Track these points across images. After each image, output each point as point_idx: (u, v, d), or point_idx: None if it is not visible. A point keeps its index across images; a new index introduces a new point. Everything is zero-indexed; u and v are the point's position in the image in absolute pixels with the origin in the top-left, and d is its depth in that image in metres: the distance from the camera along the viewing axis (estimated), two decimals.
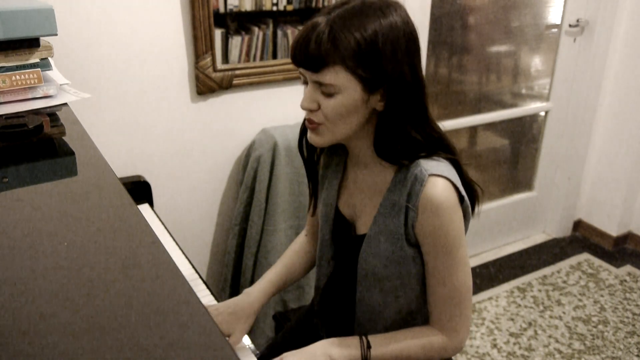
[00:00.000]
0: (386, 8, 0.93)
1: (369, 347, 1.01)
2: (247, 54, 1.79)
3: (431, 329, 1.05)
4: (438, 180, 0.95)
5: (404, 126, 0.97)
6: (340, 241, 1.15)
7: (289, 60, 1.85)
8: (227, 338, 1.11)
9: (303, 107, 0.98)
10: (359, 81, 0.92)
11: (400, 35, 0.92)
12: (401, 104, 0.95)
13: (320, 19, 0.92)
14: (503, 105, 2.60)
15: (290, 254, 1.29)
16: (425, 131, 0.99)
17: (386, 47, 0.91)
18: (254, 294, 1.18)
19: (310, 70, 0.94)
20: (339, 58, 0.90)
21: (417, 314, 1.09)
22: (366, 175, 1.08)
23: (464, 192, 0.98)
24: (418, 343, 1.03)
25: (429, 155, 0.99)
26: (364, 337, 1.02)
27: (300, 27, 1.85)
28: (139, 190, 1.64)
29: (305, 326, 1.33)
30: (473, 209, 1.07)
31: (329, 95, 0.94)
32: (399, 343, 1.03)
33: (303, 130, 1.11)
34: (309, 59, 0.92)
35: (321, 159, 1.19)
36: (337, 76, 0.92)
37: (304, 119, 1.09)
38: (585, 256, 2.76)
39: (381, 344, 1.02)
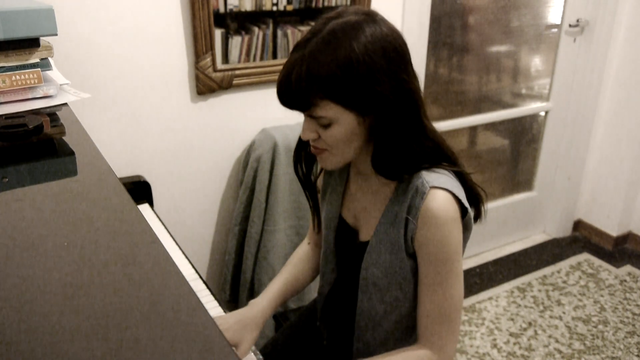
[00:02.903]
0: (357, 28, 0.89)
1: None
2: (247, 54, 1.79)
3: (418, 347, 1.02)
4: (439, 192, 0.94)
5: (397, 140, 0.95)
6: (344, 249, 1.15)
7: None
8: (234, 348, 1.09)
9: (304, 139, 0.98)
10: (348, 109, 0.91)
11: (377, 53, 0.89)
12: (391, 120, 0.93)
13: (297, 57, 0.90)
14: (503, 105, 2.60)
15: (294, 263, 1.28)
16: (420, 142, 0.97)
17: (363, 72, 0.88)
18: (260, 304, 1.17)
19: (299, 110, 0.94)
20: (323, 94, 0.89)
21: (416, 324, 1.08)
22: (369, 185, 1.07)
23: (467, 205, 0.97)
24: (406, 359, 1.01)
25: (431, 166, 0.98)
26: None
27: (301, 28, 1.85)
28: (139, 190, 1.64)
29: (305, 326, 1.33)
30: (479, 214, 1.06)
31: (326, 126, 0.94)
32: None
33: (297, 154, 1.11)
34: (295, 101, 0.92)
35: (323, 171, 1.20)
36: (326, 110, 0.91)
37: (297, 143, 1.10)
38: (585, 256, 2.76)
39: None
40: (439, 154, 1.00)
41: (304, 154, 1.11)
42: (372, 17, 0.91)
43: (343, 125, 0.93)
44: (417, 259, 1.00)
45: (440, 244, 0.95)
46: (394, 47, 0.91)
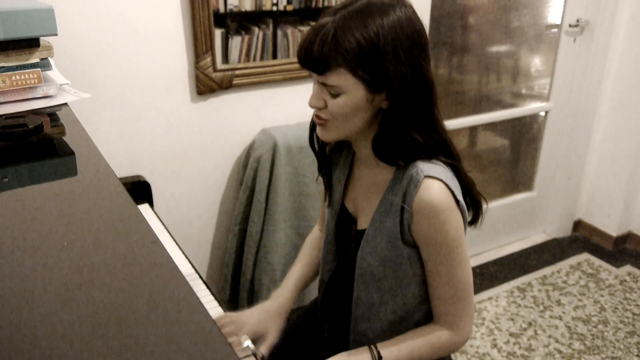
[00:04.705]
0: (390, 7, 0.92)
1: (379, 357, 1.02)
2: (247, 54, 1.79)
3: (436, 326, 1.05)
4: (433, 182, 0.95)
5: (405, 126, 0.97)
6: (343, 237, 1.16)
7: (289, 60, 1.86)
8: (261, 338, 1.15)
9: (310, 105, 1.00)
10: (362, 82, 0.93)
11: (403, 35, 0.92)
12: (404, 104, 0.95)
13: (326, 20, 0.93)
14: (503, 105, 2.60)
15: (308, 251, 1.30)
16: (428, 133, 0.98)
17: (388, 49, 0.90)
18: (283, 296, 1.21)
19: (314, 72, 0.95)
20: (342, 60, 0.91)
21: (413, 313, 1.09)
22: (369, 173, 1.09)
23: (459, 196, 0.98)
24: (426, 341, 1.04)
25: (427, 158, 0.99)
26: (373, 348, 1.03)
27: (301, 28, 1.85)
28: (139, 190, 1.64)
29: (306, 326, 1.33)
30: (477, 219, 1.07)
31: (335, 95, 0.95)
32: (408, 344, 1.04)
33: (313, 126, 1.12)
34: (313, 62, 0.94)
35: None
36: (340, 78, 0.93)
37: (313, 115, 1.11)
38: (585, 256, 2.76)
39: (391, 350, 1.03)
40: (442, 150, 1.01)
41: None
42: (404, 3, 0.95)
43: (351, 98, 0.94)
44: (416, 247, 1.01)
45: (439, 233, 0.97)
46: (419, 32, 0.95)
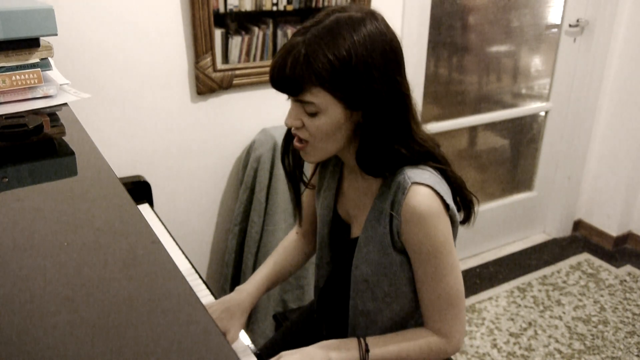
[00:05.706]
0: (360, 22, 0.90)
1: (367, 350, 1.01)
2: (247, 54, 1.79)
3: (428, 332, 1.04)
4: (420, 188, 0.94)
5: (384, 140, 0.95)
6: (337, 244, 1.16)
7: None
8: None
9: (287, 125, 0.98)
10: (338, 100, 0.92)
11: (375, 52, 0.90)
12: (380, 119, 0.94)
13: (296, 41, 0.91)
14: (503, 105, 2.60)
15: (281, 251, 1.29)
16: (408, 145, 0.97)
17: (360, 67, 0.89)
18: (247, 291, 1.18)
19: (288, 93, 0.94)
20: (316, 80, 0.90)
21: (410, 319, 1.09)
22: (358, 181, 1.08)
23: (449, 201, 0.97)
24: (416, 344, 1.03)
25: (415, 164, 0.98)
26: (362, 339, 1.02)
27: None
28: (139, 190, 1.64)
29: (305, 325, 1.34)
30: (469, 218, 1.06)
31: (312, 114, 0.94)
32: (397, 345, 1.03)
33: (285, 145, 1.11)
34: (287, 83, 0.92)
35: (318, 165, 1.20)
36: (316, 97, 0.91)
37: (286, 134, 1.09)
38: (585, 256, 2.76)
39: (379, 346, 1.02)
40: (428, 157, 1.00)
41: (292, 146, 1.10)
42: (375, 16, 0.93)
43: (329, 117, 0.93)
44: (407, 254, 1.01)
45: (426, 240, 0.96)
46: (392, 47, 0.93)
